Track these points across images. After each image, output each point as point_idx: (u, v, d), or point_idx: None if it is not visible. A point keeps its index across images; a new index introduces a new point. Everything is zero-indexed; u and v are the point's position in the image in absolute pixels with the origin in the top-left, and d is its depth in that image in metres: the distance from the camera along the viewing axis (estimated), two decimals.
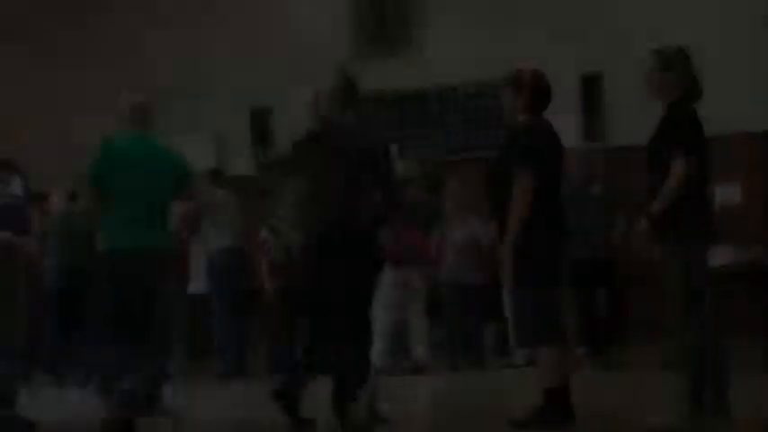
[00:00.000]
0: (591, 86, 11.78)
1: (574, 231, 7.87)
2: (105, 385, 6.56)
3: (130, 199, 6.26)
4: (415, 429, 6.33)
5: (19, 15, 13.57)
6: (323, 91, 6.20)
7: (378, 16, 12.91)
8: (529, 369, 7.51)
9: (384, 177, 6.06)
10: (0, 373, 6.52)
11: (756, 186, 10.68)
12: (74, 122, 12.22)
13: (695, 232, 5.52)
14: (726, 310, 10.17)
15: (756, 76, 11.21)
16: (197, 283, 10.51)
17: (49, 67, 13.40)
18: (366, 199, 5.95)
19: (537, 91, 5.87)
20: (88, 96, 11.70)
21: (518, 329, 6.29)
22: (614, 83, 11.54)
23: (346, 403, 5.84)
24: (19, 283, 6.93)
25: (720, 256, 10.57)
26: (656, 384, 6.50)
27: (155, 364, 6.55)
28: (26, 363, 6.99)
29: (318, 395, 6.02)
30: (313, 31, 12.84)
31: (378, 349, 8.39)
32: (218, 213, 10.27)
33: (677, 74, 5.58)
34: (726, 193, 11.10)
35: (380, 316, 8.29)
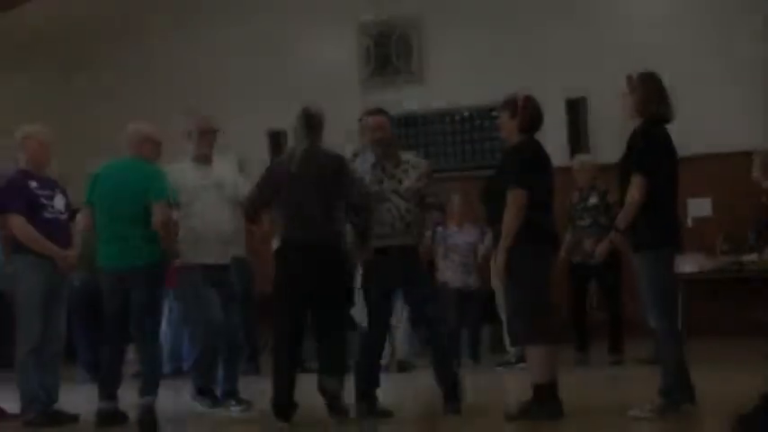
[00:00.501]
0: (575, 109, 11.74)
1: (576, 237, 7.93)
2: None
3: (107, 217, 6.44)
4: (415, 423, 6.16)
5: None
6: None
7: (385, 52, 12.95)
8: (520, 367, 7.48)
9: (342, 191, 6.02)
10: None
11: (725, 201, 10.52)
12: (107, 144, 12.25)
13: (662, 242, 5.54)
14: (698, 311, 10.22)
15: (727, 102, 11.15)
16: None
17: (95, 93, 13.45)
18: (328, 212, 5.99)
19: (530, 114, 5.88)
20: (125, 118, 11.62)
21: (510, 329, 6.27)
22: (596, 105, 11.47)
23: (329, 395, 5.96)
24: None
25: (692, 264, 10.53)
26: (643, 378, 6.29)
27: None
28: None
29: None
30: (331, 64, 13.01)
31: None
32: None
33: (643, 96, 5.61)
34: (697, 207, 11.07)
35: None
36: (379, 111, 6.45)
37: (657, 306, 5.50)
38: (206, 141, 6.95)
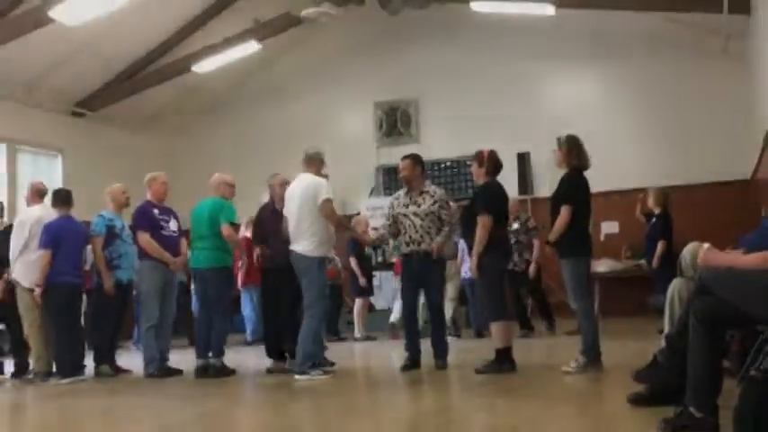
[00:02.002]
0: (523, 161, 11.76)
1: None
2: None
3: (196, 234, 6.64)
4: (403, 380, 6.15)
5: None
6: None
7: (392, 122, 12.98)
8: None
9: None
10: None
11: (627, 222, 10.47)
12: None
13: (580, 251, 5.51)
14: (610, 299, 10.20)
15: (628, 153, 11.15)
16: None
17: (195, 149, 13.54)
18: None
19: (492, 163, 5.90)
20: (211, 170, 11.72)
21: (482, 310, 6.25)
22: (537, 158, 11.52)
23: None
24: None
25: (605, 266, 10.52)
26: (570, 344, 6.26)
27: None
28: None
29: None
30: (355, 130, 13.05)
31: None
32: None
33: (567, 152, 5.58)
34: (609, 227, 11.07)
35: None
36: (407, 156, 6.32)
37: (577, 295, 5.47)
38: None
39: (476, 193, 6.12)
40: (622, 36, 11.44)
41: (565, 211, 5.40)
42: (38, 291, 6.49)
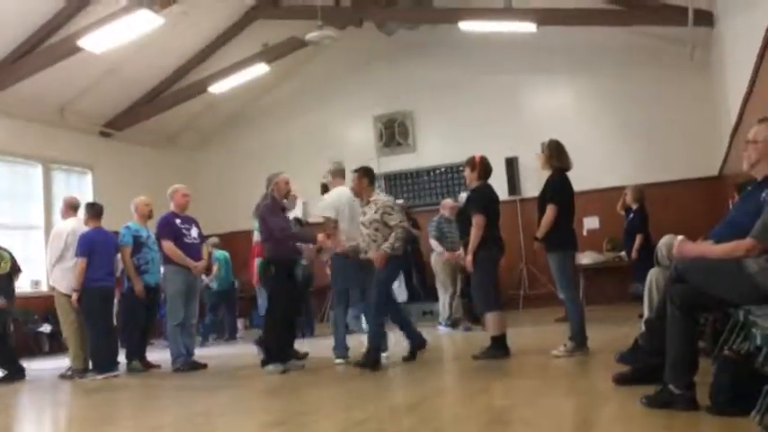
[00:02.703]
0: (511, 165, 11.72)
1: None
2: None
3: None
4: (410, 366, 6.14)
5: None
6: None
7: (391, 133, 12.94)
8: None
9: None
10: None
11: (607, 218, 10.48)
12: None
13: (565, 246, 5.49)
14: (594, 288, 10.19)
15: (607, 155, 11.14)
16: None
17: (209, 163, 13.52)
18: None
19: (483, 168, 5.88)
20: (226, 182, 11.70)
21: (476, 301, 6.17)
22: (524, 162, 11.47)
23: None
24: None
25: (589, 258, 10.50)
26: (560, 331, 6.26)
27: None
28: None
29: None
30: (358, 140, 12.99)
31: None
32: None
33: (549, 155, 5.57)
34: (590, 222, 11.05)
35: None
36: (356, 170, 5.93)
37: (564, 285, 5.46)
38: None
39: (469, 196, 6.10)
40: (598, 48, 11.43)
41: (550, 210, 5.39)
42: (75, 295, 6.52)
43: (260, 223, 6.13)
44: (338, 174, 6.43)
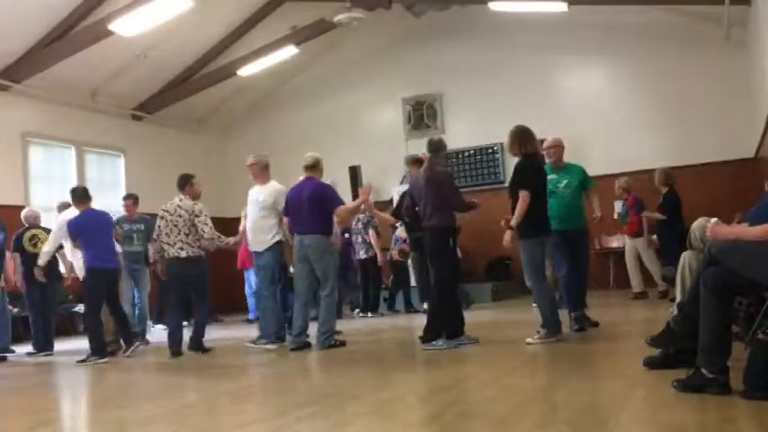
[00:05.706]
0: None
1: None
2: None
3: None
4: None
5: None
6: None
7: (419, 115, 12.91)
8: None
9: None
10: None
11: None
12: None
13: (536, 233, 5.29)
14: (622, 271, 10.03)
15: (638, 137, 10.95)
16: None
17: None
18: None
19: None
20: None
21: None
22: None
23: None
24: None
25: (618, 241, 10.27)
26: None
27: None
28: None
29: None
30: (386, 123, 12.96)
31: None
32: None
33: (511, 143, 5.41)
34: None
35: None
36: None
37: (530, 273, 5.34)
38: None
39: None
40: (630, 28, 11.21)
41: (524, 196, 5.22)
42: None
43: (443, 189, 5.65)
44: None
